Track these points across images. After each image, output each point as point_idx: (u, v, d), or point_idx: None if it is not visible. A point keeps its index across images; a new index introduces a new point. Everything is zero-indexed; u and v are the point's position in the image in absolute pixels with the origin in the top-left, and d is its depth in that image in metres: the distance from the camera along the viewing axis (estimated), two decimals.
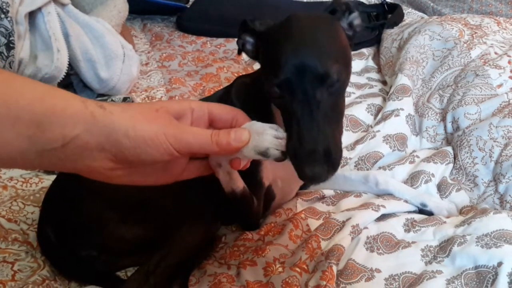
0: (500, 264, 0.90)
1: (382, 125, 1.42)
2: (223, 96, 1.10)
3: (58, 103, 0.56)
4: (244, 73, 1.83)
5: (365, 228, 1.07)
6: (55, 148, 0.57)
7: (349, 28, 0.89)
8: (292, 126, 0.74)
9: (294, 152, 0.72)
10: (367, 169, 1.31)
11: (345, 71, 0.79)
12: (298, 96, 0.75)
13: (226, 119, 0.74)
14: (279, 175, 1.07)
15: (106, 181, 0.66)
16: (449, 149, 1.34)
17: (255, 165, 0.75)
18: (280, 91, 0.77)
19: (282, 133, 0.73)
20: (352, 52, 2.02)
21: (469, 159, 1.28)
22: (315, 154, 0.71)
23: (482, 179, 1.23)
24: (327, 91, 0.76)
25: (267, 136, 0.71)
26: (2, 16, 1.30)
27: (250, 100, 0.97)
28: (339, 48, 0.81)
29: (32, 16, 1.41)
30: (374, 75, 1.86)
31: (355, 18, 0.89)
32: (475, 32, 1.69)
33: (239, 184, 0.90)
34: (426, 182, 1.24)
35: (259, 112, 0.82)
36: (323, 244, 1.04)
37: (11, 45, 1.33)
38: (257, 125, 0.72)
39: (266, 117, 0.81)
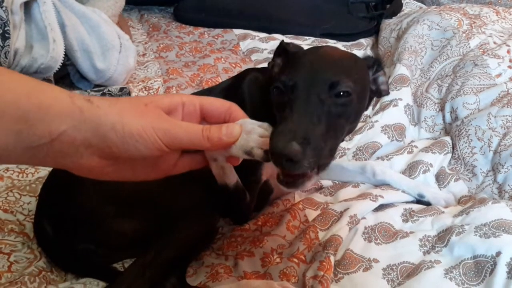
0: (498, 253, 0.89)
1: (381, 115, 1.42)
2: (230, 87, 1.09)
3: (45, 99, 0.55)
4: (241, 64, 1.82)
5: (363, 218, 1.07)
6: (42, 144, 0.56)
7: (373, 82, 0.93)
8: (283, 117, 0.74)
9: (274, 131, 0.69)
10: (365, 159, 1.31)
11: (357, 95, 0.81)
12: (300, 95, 0.76)
13: (219, 114, 0.71)
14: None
15: (95, 177, 0.65)
16: (448, 139, 1.34)
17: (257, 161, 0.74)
18: (285, 89, 0.78)
19: (269, 133, 0.71)
20: (350, 43, 2.05)
21: (467, 149, 1.27)
22: (294, 132, 0.69)
23: (480, 169, 1.23)
24: (333, 99, 0.77)
25: (254, 135, 0.69)
26: None
27: (262, 98, 0.97)
28: (358, 77, 0.84)
29: (27, 6, 1.40)
30: None
31: (381, 77, 0.94)
32: (474, 22, 1.69)
33: (233, 178, 0.89)
34: (424, 172, 1.24)
35: (269, 111, 0.82)
36: (321, 234, 1.03)
37: (7, 35, 1.32)
38: (248, 124, 0.70)
39: (275, 118, 0.81)
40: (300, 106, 0.74)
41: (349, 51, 0.96)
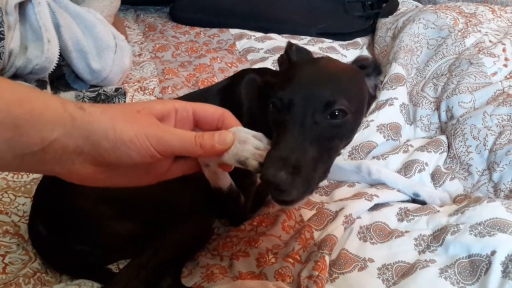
0: (493, 252, 0.89)
1: (376, 114, 1.42)
2: (227, 88, 1.08)
3: (36, 106, 0.55)
4: (238, 64, 1.82)
5: (358, 218, 1.07)
6: (34, 151, 0.55)
7: (374, 88, 0.92)
8: (278, 138, 0.74)
9: (267, 157, 0.70)
10: (361, 159, 1.31)
11: (353, 114, 0.80)
12: (295, 115, 0.75)
13: (212, 120, 0.71)
14: None
15: (87, 184, 0.65)
16: (443, 138, 1.34)
17: None
18: (281, 106, 0.77)
19: (265, 144, 0.72)
20: (347, 42, 2.05)
21: (463, 147, 1.27)
22: (285, 161, 0.69)
23: (476, 168, 1.23)
24: (327, 120, 0.76)
25: (248, 145, 0.69)
26: None
27: (259, 100, 0.96)
28: (355, 94, 0.83)
29: (22, 6, 1.39)
30: None
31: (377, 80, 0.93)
32: (470, 21, 1.69)
33: (226, 182, 0.89)
34: (420, 171, 1.24)
35: (266, 114, 0.81)
36: (316, 234, 1.03)
37: (1, 36, 1.31)
38: (242, 132, 0.70)
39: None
40: (294, 129, 0.74)
41: (347, 63, 0.95)
